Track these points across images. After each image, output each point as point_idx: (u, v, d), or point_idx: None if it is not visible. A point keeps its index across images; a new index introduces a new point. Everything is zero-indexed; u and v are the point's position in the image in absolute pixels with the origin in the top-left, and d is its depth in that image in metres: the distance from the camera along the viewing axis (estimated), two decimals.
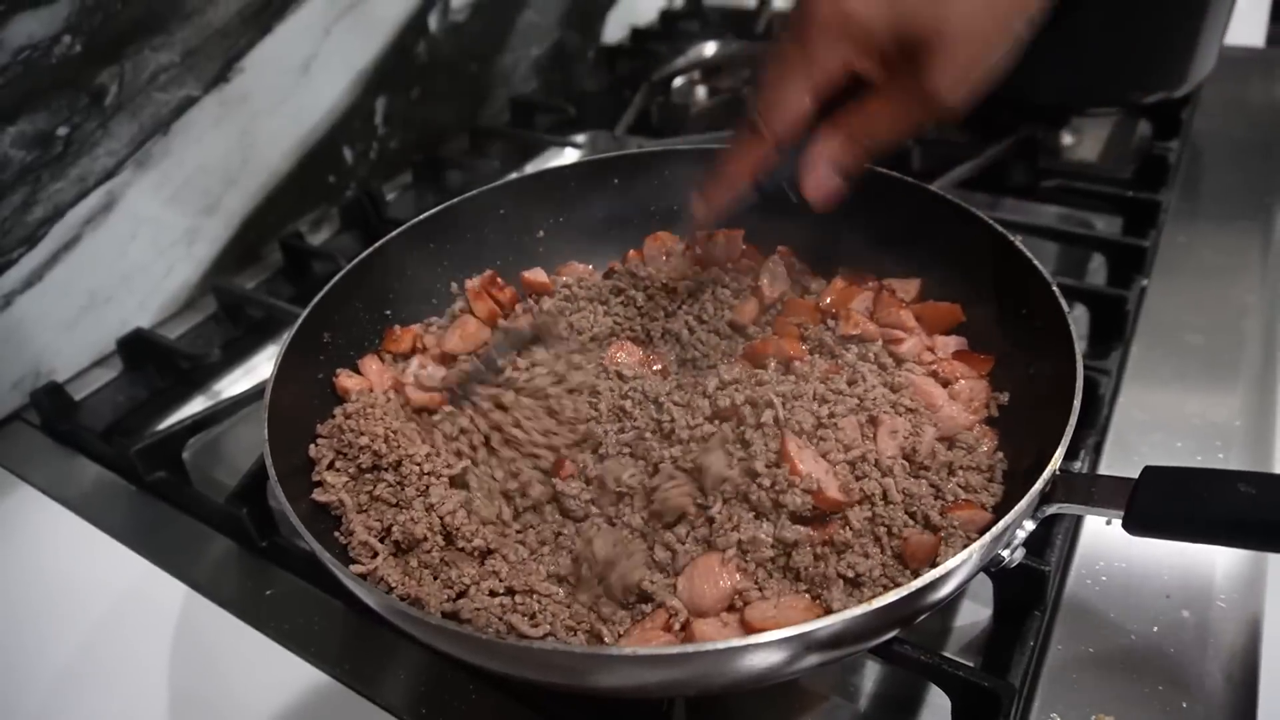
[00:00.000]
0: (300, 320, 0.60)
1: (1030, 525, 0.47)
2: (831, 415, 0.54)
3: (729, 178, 0.55)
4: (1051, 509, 0.46)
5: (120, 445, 0.71)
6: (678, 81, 1.26)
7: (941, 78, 0.46)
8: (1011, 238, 0.60)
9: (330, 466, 0.57)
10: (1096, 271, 0.85)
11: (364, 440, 0.56)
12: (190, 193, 0.89)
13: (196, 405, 0.81)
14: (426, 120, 1.15)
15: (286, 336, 0.59)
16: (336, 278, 0.64)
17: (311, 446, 0.58)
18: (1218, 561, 0.57)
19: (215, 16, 0.87)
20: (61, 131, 0.77)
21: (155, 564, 0.63)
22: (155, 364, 0.83)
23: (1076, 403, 0.46)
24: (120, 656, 0.58)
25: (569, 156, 1.12)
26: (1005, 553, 0.46)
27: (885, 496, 0.50)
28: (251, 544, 0.63)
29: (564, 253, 0.77)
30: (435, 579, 0.51)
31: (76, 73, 0.77)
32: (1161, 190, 0.91)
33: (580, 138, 1.12)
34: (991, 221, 0.62)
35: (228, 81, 0.90)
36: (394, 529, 0.53)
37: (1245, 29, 1.27)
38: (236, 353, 0.86)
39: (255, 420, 0.76)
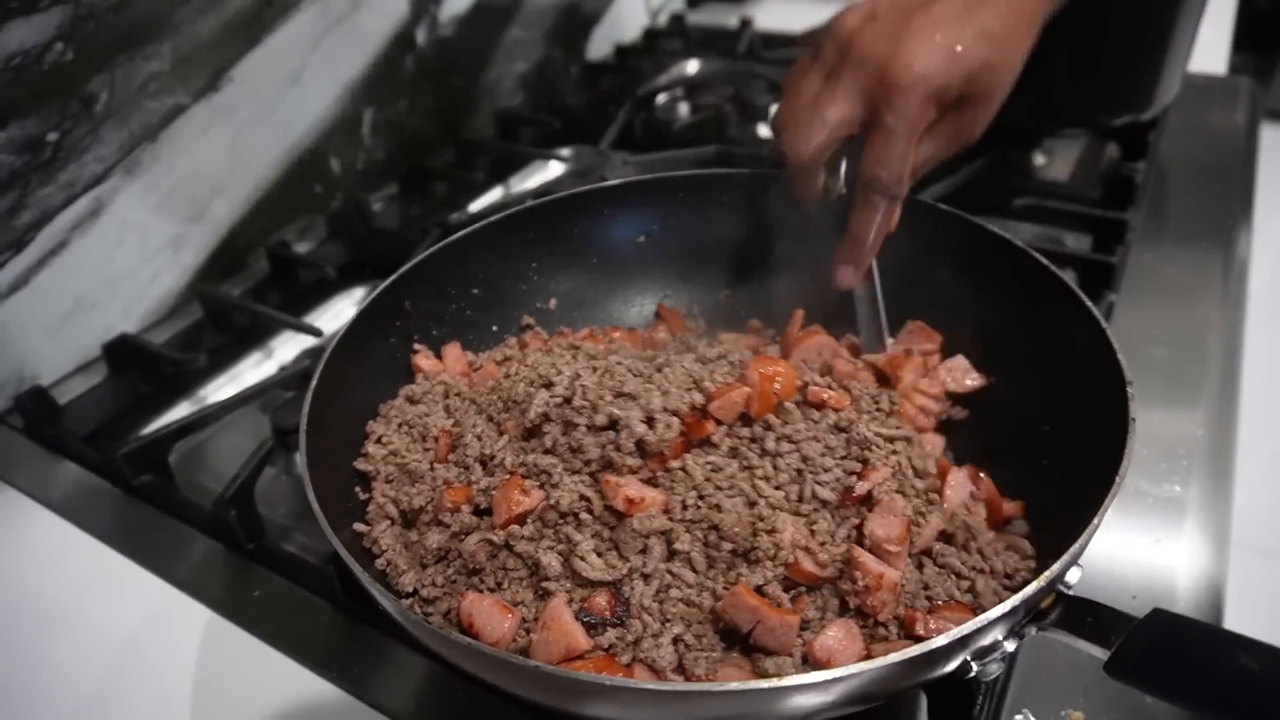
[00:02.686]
0: (391, 280, 0.62)
1: (1010, 645, 0.41)
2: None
3: (870, 243, 0.63)
4: (1036, 629, 0.42)
5: (106, 449, 0.72)
6: (661, 98, 1.29)
7: (977, 123, 0.60)
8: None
9: (378, 441, 0.59)
10: None
11: (415, 420, 0.59)
12: (178, 200, 0.90)
13: (181, 411, 0.81)
14: (413, 132, 1.17)
15: (371, 291, 0.61)
16: (436, 247, 0.66)
17: (370, 422, 0.60)
18: (1181, 563, 0.59)
19: (205, 27, 0.88)
20: (51, 137, 0.78)
21: (141, 566, 0.64)
22: (140, 369, 0.84)
23: (1105, 508, 0.42)
24: (107, 656, 0.58)
25: (554, 169, 1.14)
26: (976, 665, 0.41)
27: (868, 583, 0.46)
28: (239, 546, 0.64)
29: (661, 264, 0.76)
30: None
31: (68, 79, 0.78)
32: (1129, 209, 0.94)
33: (565, 151, 1.14)
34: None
35: (217, 91, 0.91)
36: (402, 500, 0.55)
37: (1209, 57, 1.31)
38: (222, 359, 0.86)
39: (240, 425, 0.77)
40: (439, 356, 0.67)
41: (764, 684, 0.37)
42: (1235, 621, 0.56)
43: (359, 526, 0.54)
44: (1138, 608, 0.56)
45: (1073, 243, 0.94)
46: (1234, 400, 0.73)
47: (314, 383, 0.53)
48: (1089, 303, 0.56)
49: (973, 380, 0.63)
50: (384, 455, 0.58)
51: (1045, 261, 0.60)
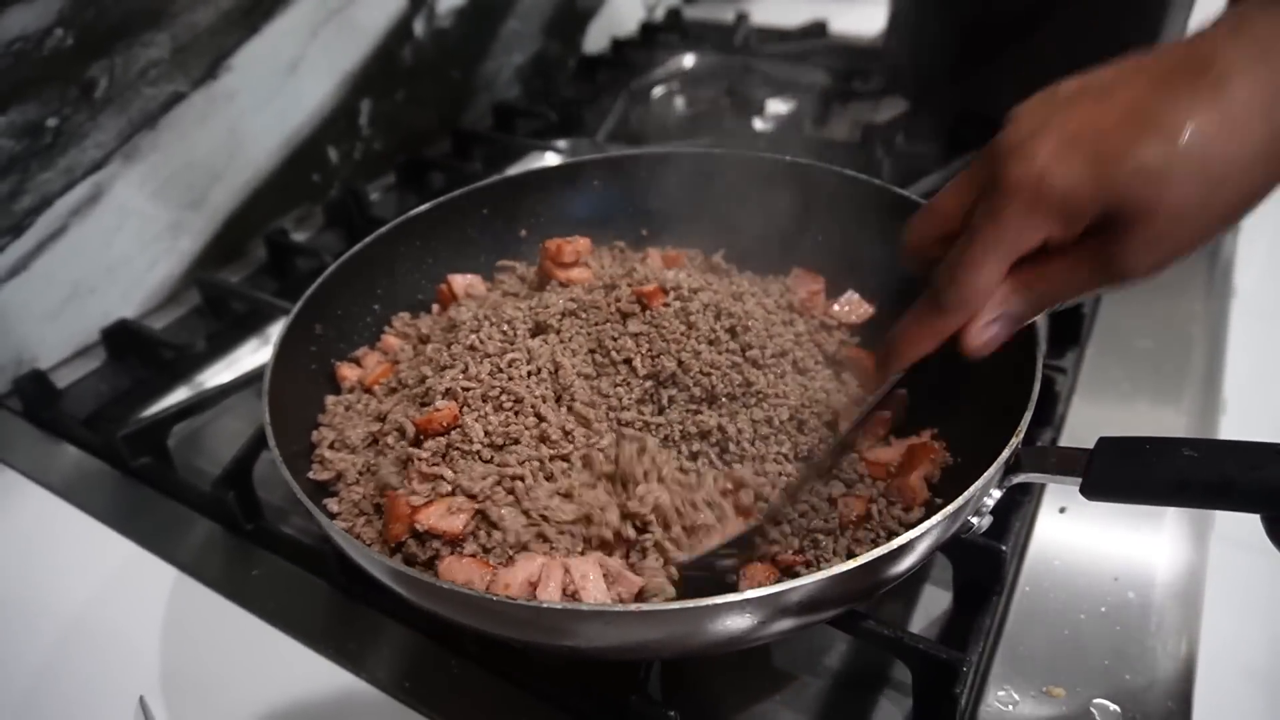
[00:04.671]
0: (295, 310, 0.62)
1: (997, 494, 0.49)
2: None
3: (907, 351, 0.51)
4: (1017, 478, 0.48)
5: (105, 432, 0.72)
6: (657, 91, 1.29)
7: (1135, 254, 0.42)
8: None
9: (330, 446, 0.59)
10: None
11: (358, 421, 0.59)
12: (176, 187, 0.90)
13: (178, 396, 0.82)
14: (410, 123, 1.18)
15: (283, 324, 0.61)
16: (329, 271, 0.66)
17: (314, 432, 0.61)
18: (1162, 547, 0.60)
19: (205, 15, 0.89)
20: (51, 123, 0.78)
21: (141, 546, 0.65)
22: (138, 354, 0.84)
23: (1038, 376, 0.49)
24: (109, 634, 0.59)
25: (550, 161, 1.15)
26: (975, 520, 0.49)
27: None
28: (237, 527, 0.65)
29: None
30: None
31: (68, 65, 0.78)
32: None
33: (561, 143, 1.15)
34: None
35: (216, 79, 0.91)
36: (372, 495, 0.55)
37: None
38: (219, 345, 0.87)
39: (238, 411, 0.78)
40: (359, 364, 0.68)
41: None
42: (1214, 611, 0.57)
43: (340, 523, 0.55)
44: (1119, 589, 0.57)
45: None
46: (1217, 390, 0.74)
47: (268, 409, 0.53)
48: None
49: (865, 310, 0.69)
50: (339, 457, 0.58)
51: (903, 192, 0.67)
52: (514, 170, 1.14)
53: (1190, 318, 0.81)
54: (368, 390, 0.64)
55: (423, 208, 0.73)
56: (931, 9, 1.11)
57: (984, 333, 0.48)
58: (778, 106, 1.26)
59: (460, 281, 0.72)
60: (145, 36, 0.84)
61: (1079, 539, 0.61)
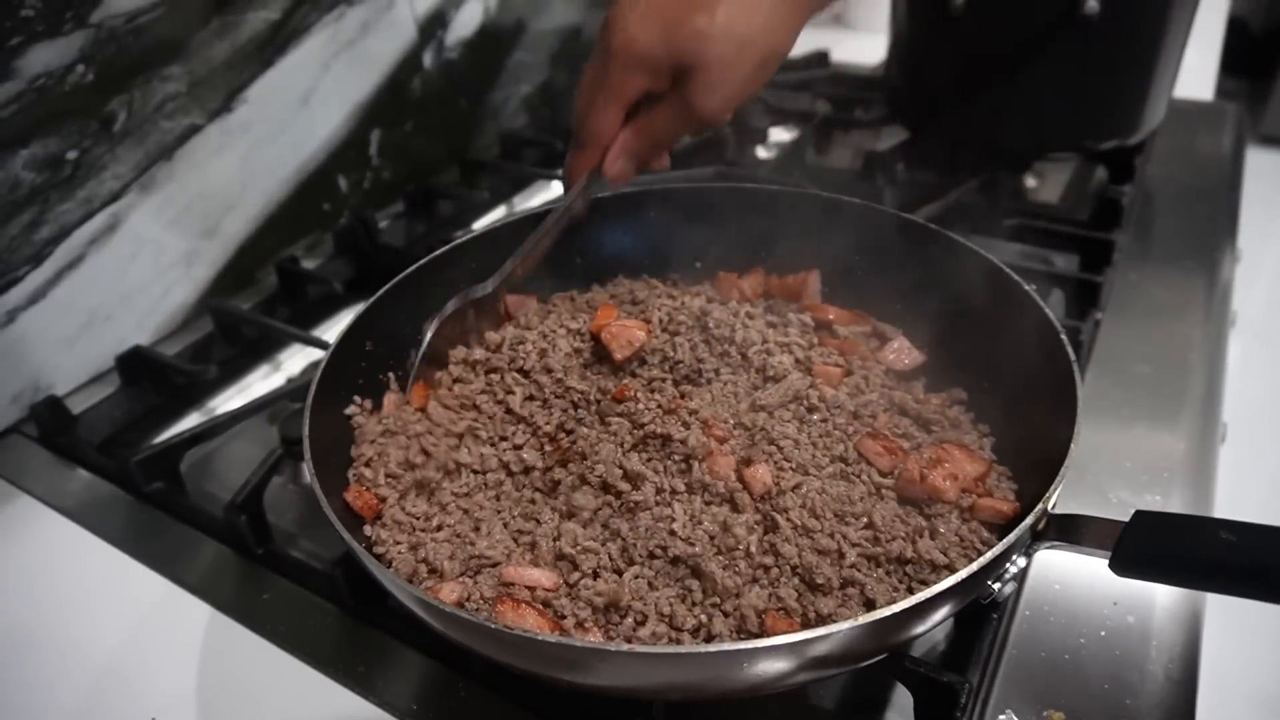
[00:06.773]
0: (348, 327, 0.62)
1: (1022, 561, 0.47)
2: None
3: (572, 175, 0.69)
4: (1043, 546, 0.47)
5: (119, 457, 0.74)
6: None
7: (703, 95, 0.61)
8: (1025, 285, 0.62)
9: (367, 464, 0.60)
10: (1055, 305, 0.90)
11: (400, 444, 0.60)
12: (191, 217, 0.92)
13: (191, 421, 0.83)
14: (419, 152, 1.20)
15: (335, 341, 0.61)
16: (381, 291, 0.66)
17: (353, 447, 0.61)
18: None
19: (220, 50, 0.91)
20: (71, 155, 0.80)
21: (153, 569, 0.66)
22: (152, 380, 0.86)
23: (1072, 450, 0.48)
24: (120, 657, 0.60)
25: (556, 189, 1.17)
26: (996, 586, 0.46)
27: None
28: (248, 551, 0.66)
29: (592, 277, 0.79)
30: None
31: (88, 100, 0.80)
32: (1115, 231, 0.96)
33: None
34: (1005, 268, 0.65)
35: (231, 111, 0.93)
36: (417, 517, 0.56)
37: (1196, 83, 1.35)
38: (231, 371, 0.88)
39: (249, 436, 0.79)
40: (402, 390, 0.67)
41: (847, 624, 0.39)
42: (1215, 635, 0.58)
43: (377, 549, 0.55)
44: (1119, 613, 0.58)
45: (1061, 263, 0.96)
46: (1214, 415, 0.75)
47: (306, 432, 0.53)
48: (985, 254, 0.66)
49: (914, 358, 0.68)
50: (378, 476, 0.59)
51: (939, 229, 0.69)
52: (520, 199, 1.16)
53: (1188, 343, 0.82)
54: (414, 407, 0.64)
55: (474, 234, 0.73)
56: (931, 40, 1.13)
57: (615, 164, 0.66)
58: (780, 135, 1.28)
59: (514, 300, 0.73)
60: (163, 71, 0.86)
61: (1079, 563, 0.61)
